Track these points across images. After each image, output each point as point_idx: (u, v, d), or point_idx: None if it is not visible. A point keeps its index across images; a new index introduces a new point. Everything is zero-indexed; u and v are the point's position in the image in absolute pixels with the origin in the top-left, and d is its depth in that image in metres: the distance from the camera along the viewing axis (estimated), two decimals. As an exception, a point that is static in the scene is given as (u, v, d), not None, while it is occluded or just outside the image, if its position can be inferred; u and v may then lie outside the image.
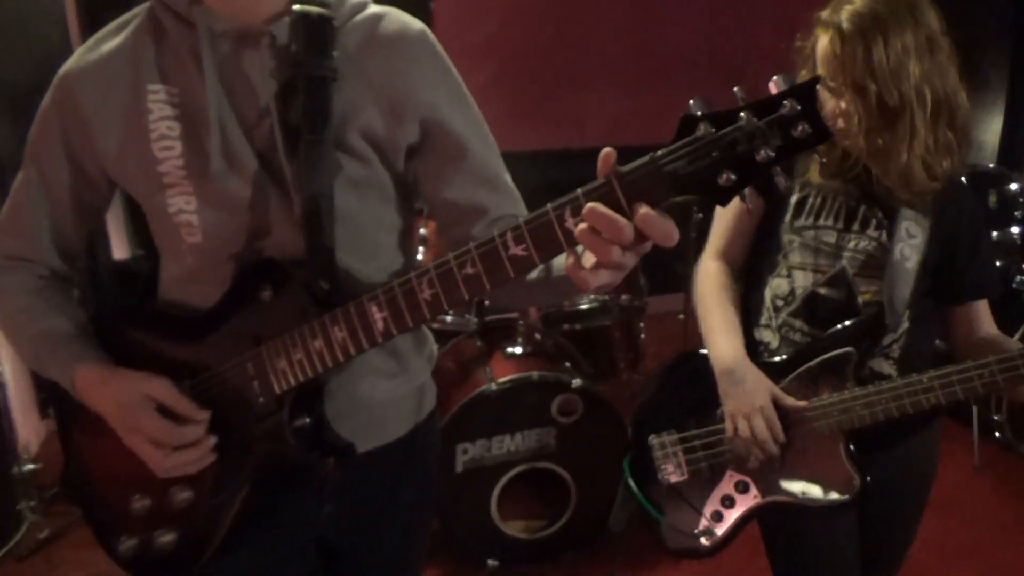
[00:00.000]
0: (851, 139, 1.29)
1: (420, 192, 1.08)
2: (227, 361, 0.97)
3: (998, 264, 3.09)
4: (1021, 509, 2.78)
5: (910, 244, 1.35)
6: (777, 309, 1.46)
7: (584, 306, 2.70)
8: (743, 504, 1.46)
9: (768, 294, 1.48)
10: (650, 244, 0.74)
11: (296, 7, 0.96)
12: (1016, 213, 3.07)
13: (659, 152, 0.72)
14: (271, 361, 0.94)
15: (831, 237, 1.40)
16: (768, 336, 1.48)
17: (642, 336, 3.10)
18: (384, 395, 1.10)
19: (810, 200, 1.43)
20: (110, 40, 1.00)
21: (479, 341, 2.55)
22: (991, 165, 3.72)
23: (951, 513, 2.68)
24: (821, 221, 1.41)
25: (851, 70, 1.25)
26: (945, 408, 1.35)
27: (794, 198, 1.44)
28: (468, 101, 1.07)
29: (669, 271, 3.27)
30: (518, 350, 2.48)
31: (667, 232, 0.71)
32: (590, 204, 0.72)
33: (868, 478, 1.37)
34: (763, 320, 1.49)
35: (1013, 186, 3.10)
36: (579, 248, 0.75)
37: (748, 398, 1.37)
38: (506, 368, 2.37)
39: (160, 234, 1.03)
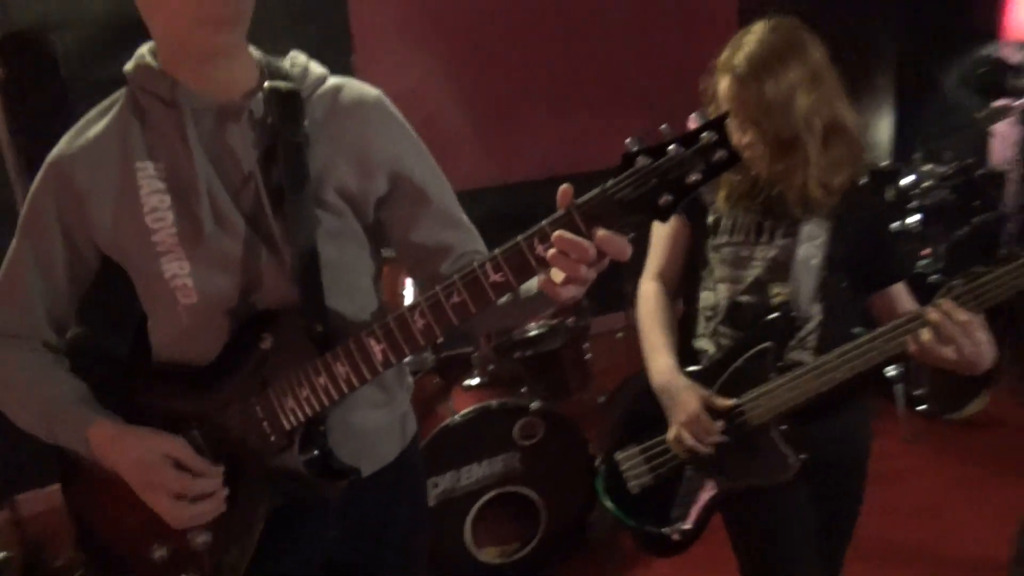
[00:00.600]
0: (756, 167, 1.48)
1: (389, 237, 1.20)
2: (235, 407, 1.06)
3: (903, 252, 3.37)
4: (953, 472, 3.01)
5: (813, 245, 1.52)
6: (708, 319, 1.63)
7: (533, 332, 2.82)
8: (703, 497, 1.61)
9: (701, 307, 1.65)
10: (608, 260, 0.88)
11: (267, 83, 1.08)
12: (913, 203, 3.37)
13: (608, 183, 0.86)
14: (279, 401, 1.04)
15: (745, 251, 1.57)
16: (705, 344, 1.64)
17: (588, 356, 3.25)
18: (375, 423, 1.21)
19: (723, 221, 1.60)
20: (95, 125, 1.09)
21: (437, 377, 2.65)
22: (886, 162, 4.04)
23: (891, 484, 2.88)
24: (734, 238, 1.58)
25: (749, 108, 1.42)
26: (868, 383, 1.52)
27: (709, 220, 1.61)
28: (425, 153, 1.21)
29: (609, 290, 3.44)
30: (475, 381, 2.59)
31: (621, 248, 0.86)
32: (558, 232, 0.86)
33: (804, 456, 1.52)
34: (700, 331, 1.66)
35: (907, 179, 3.40)
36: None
37: (680, 410, 1.54)
38: (466, 400, 2.47)
39: (153, 299, 1.11)
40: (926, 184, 3.40)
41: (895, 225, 3.28)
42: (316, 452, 1.08)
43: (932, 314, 1.33)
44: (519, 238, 0.90)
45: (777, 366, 1.52)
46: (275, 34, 3.31)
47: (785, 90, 1.40)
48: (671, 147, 0.83)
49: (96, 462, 1.06)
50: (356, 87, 1.16)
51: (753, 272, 1.57)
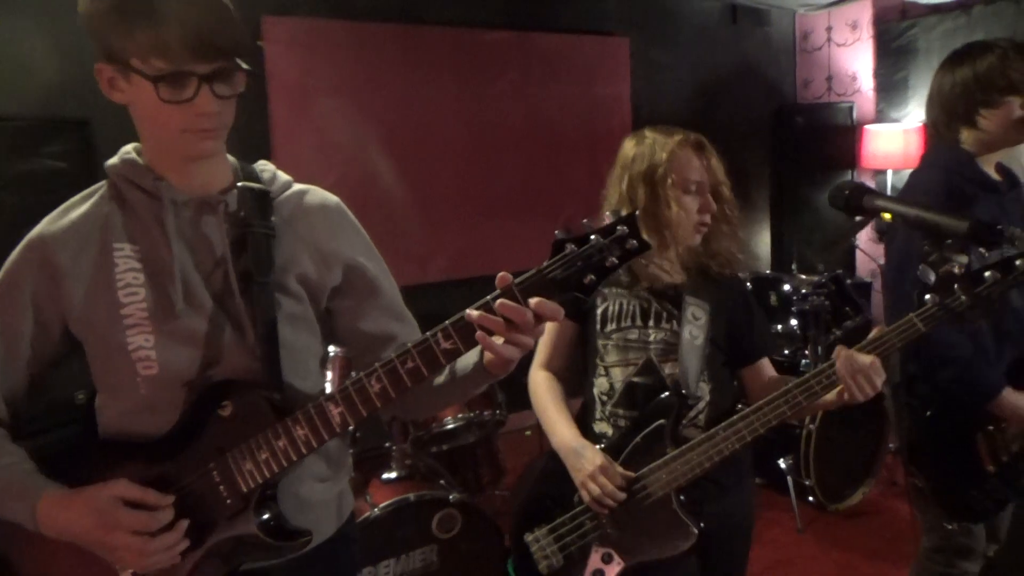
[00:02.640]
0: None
1: (339, 326, 1.31)
2: (192, 474, 1.11)
3: (786, 352, 3.69)
4: (841, 559, 3.21)
5: (696, 325, 1.71)
6: (603, 404, 1.77)
7: (450, 426, 2.89)
8: (611, 572, 1.69)
9: (595, 392, 1.79)
10: (543, 327, 1.04)
11: (240, 183, 1.21)
12: (792, 308, 3.72)
13: (543, 265, 1.03)
14: (238, 465, 1.10)
15: (634, 334, 1.74)
16: (603, 427, 1.77)
17: (500, 453, 3.33)
18: (319, 496, 1.28)
19: (611, 309, 1.77)
20: (77, 208, 1.19)
21: (355, 472, 2.65)
22: (767, 271, 4.45)
23: (786, 570, 3.05)
24: (624, 323, 1.75)
25: (714, 178, 1.73)
26: (751, 465, 1.71)
27: (598, 311, 1.77)
28: (375, 251, 1.35)
29: (519, 388, 3.56)
30: (393, 475, 2.62)
31: (555, 311, 1.02)
32: (500, 300, 1.01)
33: (702, 524, 1.64)
34: (597, 415, 1.79)
35: (786, 287, 3.77)
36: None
37: (587, 462, 1.63)
38: (385, 493, 2.49)
39: (112, 372, 1.16)
40: (803, 291, 3.78)
41: (777, 327, 3.61)
42: (269, 515, 1.13)
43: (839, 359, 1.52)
44: (467, 311, 1.04)
45: (673, 441, 1.66)
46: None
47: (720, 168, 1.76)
48: (593, 237, 1.01)
49: (40, 534, 1.07)
50: (320, 193, 1.32)
51: (644, 354, 1.73)
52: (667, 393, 1.68)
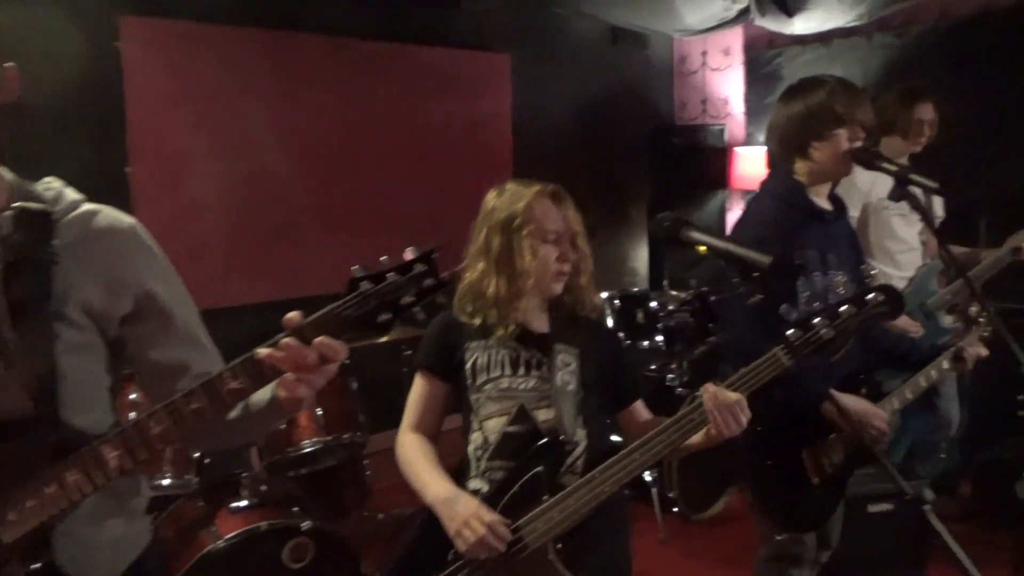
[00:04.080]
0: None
1: (128, 354, 1.23)
2: None
3: (652, 367, 3.79)
4: (700, 568, 3.32)
5: (568, 371, 1.71)
6: (478, 459, 1.72)
7: (308, 449, 2.80)
8: None
9: (471, 450, 1.74)
10: (334, 366, 1.01)
11: (16, 204, 1.12)
12: (659, 325, 3.84)
13: (336, 303, 0.99)
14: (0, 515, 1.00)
15: (506, 383, 1.71)
16: (478, 484, 1.71)
17: (367, 473, 3.26)
18: (104, 536, 1.19)
19: (480, 361, 1.73)
20: None
21: (201, 501, 2.52)
22: (636, 288, 4.58)
23: (649, 583, 3.13)
24: (494, 373, 1.72)
25: (571, 228, 1.74)
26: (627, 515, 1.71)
27: (467, 366, 1.73)
28: (173, 275, 1.28)
29: (389, 407, 3.50)
30: (244, 503, 2.50)
31: (336, 350, 1.00)
32: (285, 339, 0.98)
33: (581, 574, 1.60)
34: (472, 473, 1.73)
35: (653, 304, 3.88)
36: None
37: (462, 509, 1.57)
38: (233, 523, 2.37)
39: None
40: (670, 308, 3.90)
41: (644, 344, 3.71)
42: (40, 565, 1.05)
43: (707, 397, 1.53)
44: (255, 350, 1.00)
45: (550, 489, 1.61)
46: (48, 142, 3.24)
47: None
48: (390, 274, 0.98)
49: None
50: (111, 214, 1.23)
51: (518, 403, 1.70)
52: (544, 440, 1.64)
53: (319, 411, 2.83)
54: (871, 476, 2.71)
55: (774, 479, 2.03)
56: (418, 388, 1.79)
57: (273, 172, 4.21)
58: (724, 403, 1.52)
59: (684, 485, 3.50)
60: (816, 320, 1.52)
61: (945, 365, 2.14)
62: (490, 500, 1.61)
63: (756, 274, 1.39)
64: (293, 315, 1.00)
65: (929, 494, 2.56)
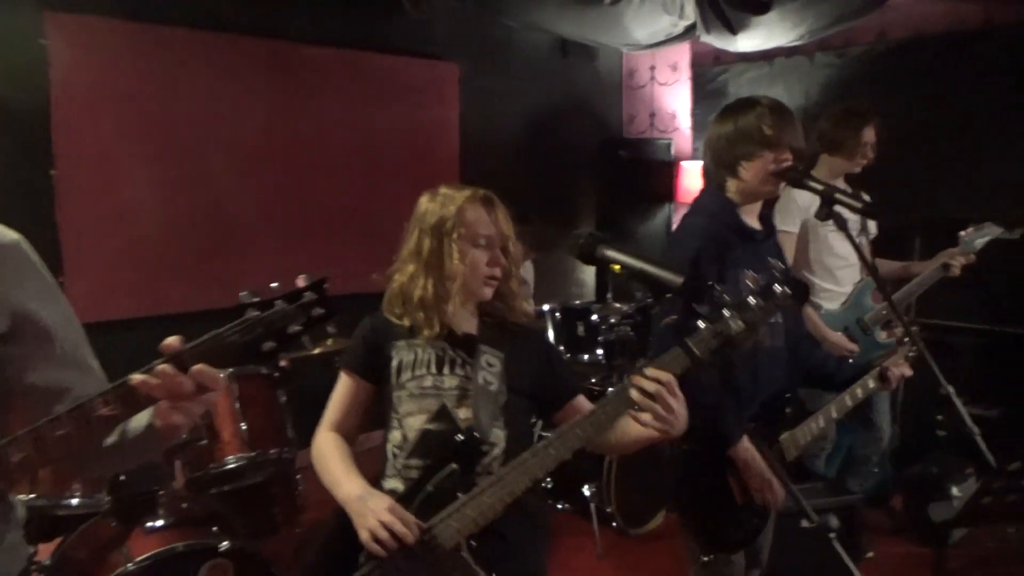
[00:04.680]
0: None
1: (5, 376, 1.15)
2: None
3: (592, 381, 3.78)
4: (637, 584, 3.32)
5: (491, 372, 1.71)
6: (395, 457, 1.71)
7: (231, 465, 2.71)
8: None
9: (389, 448, 1.72)
10: (214, 393, 0.96)
11: None
12: (599, 338, 3.82)
13: (221, 329, 0.94)
14: None
15: (429, 381, 1.71)
16: (394, 483, 1.69)
17: (299, 488, 3.16)
18: None
19: (405, 359, 1.73)
20: None
21: (114, 522, 2.41)
22: (578, 302, 4.57)
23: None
24: (418, 371, 1.72)
25: (502, 234, 1.74)
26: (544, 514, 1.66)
27: (392, 365, 1.73)
28: (56, 294, 1.21)
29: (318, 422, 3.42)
30: (160, 523, 2.40)
31: (212, 377, 0.95)
32: (161, 366, 0.93)
33: (493, 574, 1.58)
34: (388, 472, 1.72)
35: (594, 317, 3.87)
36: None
37: (373, 509, 1.53)
38: (147, 544, 2.26)
39: None
40: (611, 321, 3.89)
41: (584, 357, 3.70)
42: None
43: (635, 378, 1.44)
44: (130, 375, 0.94)
45: (465, 487, 1.59)
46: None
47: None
48: (277, 302, 0.93)
49: None
50: None
51: (439, 401, 1.69)
52: (461, 437, 1.64)
53: (243, 426, 2.74)
54: (803, 492, 2.75)
55: (700, 500, 2.02)
56: (340, 387, 1.79)
57: (212, 177, 4.09)
58: (651, 385, 1.42)
59: (622, 500, 3.49)
60: (726, 313, 1.44)
61: (871, 384, 2.16)
62: (405, 499, 1.60)
63: (669, 295, 1.37)
64: (171, 340, 0.95)
65: (834, 522, 2.61)
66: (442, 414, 1.69)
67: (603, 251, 1.48)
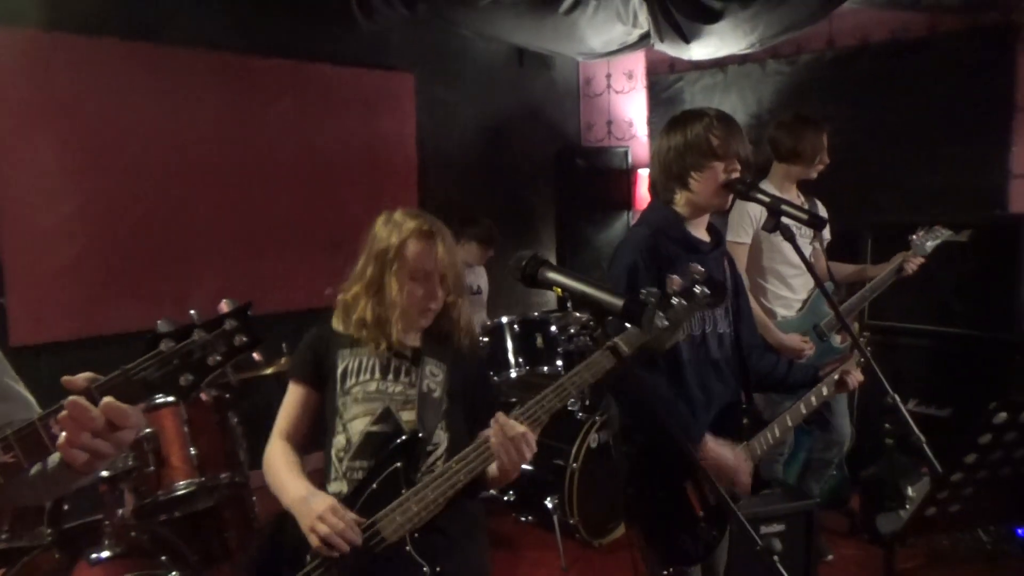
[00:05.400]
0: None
1: None
2: None
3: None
4: (601, 597, 3.29)
5: (434, 380, 1.77)
6: (340, 460, 1.75)
7: (181, 491, 2.63)
8: None
9: (332, 453, 1.76)
10: (130, 432, 0.91)
11: None
12: (559, 349, 3.80)
13: (130, 364, 0.89)
14: None
15: (373, 386, 1.76)
16: (338, 486, 1.73)
17: (256, 510, 3.08)
18: None
19: (351, 366, 1.78)
20: None
21: (57, 553, 2.32)
22: (536, 313, 4.55)
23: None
24: (363, 377, 1.76)
25: (441, 266, 1.76)
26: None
27: (338, 372, 1.77)
28: None
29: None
30: (105, 554, 2.31)
31: (122, 413, 0.89)
32: (72, 398, 0.88)
33: (438, 568, 1.61)
34: (332, 476, 1.75)
35: (552, 328, 3.85)
36: None
37: (316, 504, 1.58)
38: (92, 576, 2.20)
39: None
40: (571, 331, 3.88)
41: (544, 369, 3.67)
42: None
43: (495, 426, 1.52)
44: (35, 418, 0.89)
45: (408, 485, 1.62)
46: None
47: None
48: (196, 331, 0.89)
49: None
50: None
51: (383, 404, 1.74)
52: (404, 437, 1.68)
53: (192, 450, 2.66)
54: (762, 498, 2.75)
55: (657, 512, 2.01)
56: (289, 396, 1.83)
57: (158, 193, 4.00)
58: (509, 436, 1.51)
59: (585, 511, 3.47)
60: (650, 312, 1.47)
61: (825, 392, 2.17)
62: (350, 499, 1.64)
63: (610, 317, 1.36)
64: (79, 378, 0.90)
65: (777, 544, 2.63)
66: (386, 416, 1.75)
67: (545, 274, 1.47)
